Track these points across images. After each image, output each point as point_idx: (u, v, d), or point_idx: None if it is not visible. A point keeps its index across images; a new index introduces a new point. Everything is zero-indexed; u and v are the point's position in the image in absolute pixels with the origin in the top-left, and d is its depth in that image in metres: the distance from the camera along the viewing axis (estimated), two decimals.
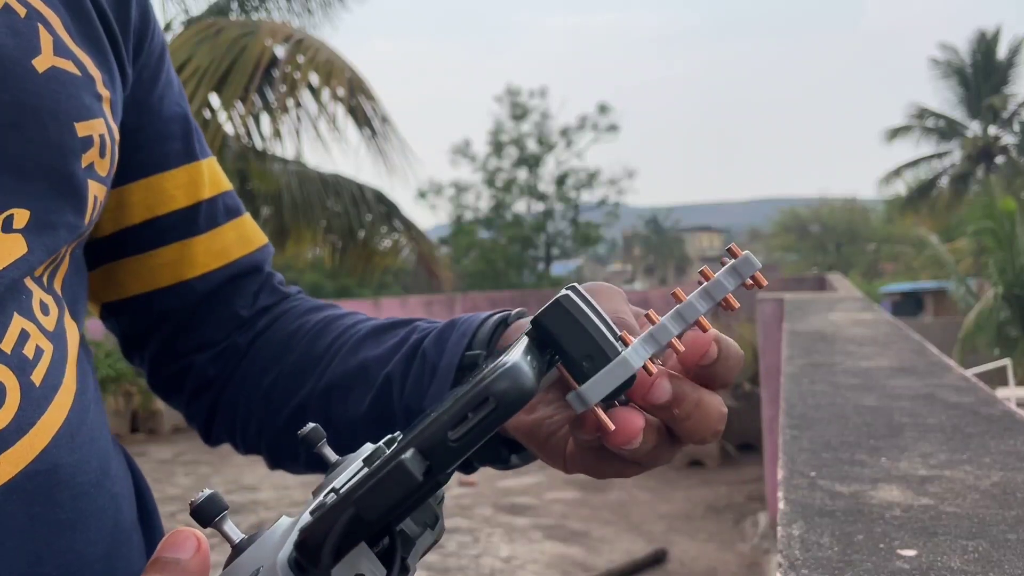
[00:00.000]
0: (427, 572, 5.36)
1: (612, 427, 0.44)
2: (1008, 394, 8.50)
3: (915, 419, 1.34)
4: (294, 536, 0.38)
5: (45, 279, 0.58)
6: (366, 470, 0.38)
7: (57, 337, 0.58)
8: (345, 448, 0.69)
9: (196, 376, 0.77)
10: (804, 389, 1.63)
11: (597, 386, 0.43)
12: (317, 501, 0.40)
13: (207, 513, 0.40)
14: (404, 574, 0.40)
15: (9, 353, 0.53)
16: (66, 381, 0.57)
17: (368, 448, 0.44)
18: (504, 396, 0.37)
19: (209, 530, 0.41)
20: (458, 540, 6.02)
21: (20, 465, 0.52)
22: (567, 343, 0.43)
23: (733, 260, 0.45)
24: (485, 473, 8.26)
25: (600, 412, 0.44)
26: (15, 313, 0.54)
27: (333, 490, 0.40)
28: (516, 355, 0.40)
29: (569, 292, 0.45)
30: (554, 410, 0.54)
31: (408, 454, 0.36)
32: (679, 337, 0.45)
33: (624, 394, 0.45)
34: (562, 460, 0.53)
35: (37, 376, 0.54)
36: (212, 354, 0.76)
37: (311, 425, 0.45)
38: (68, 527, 0.55)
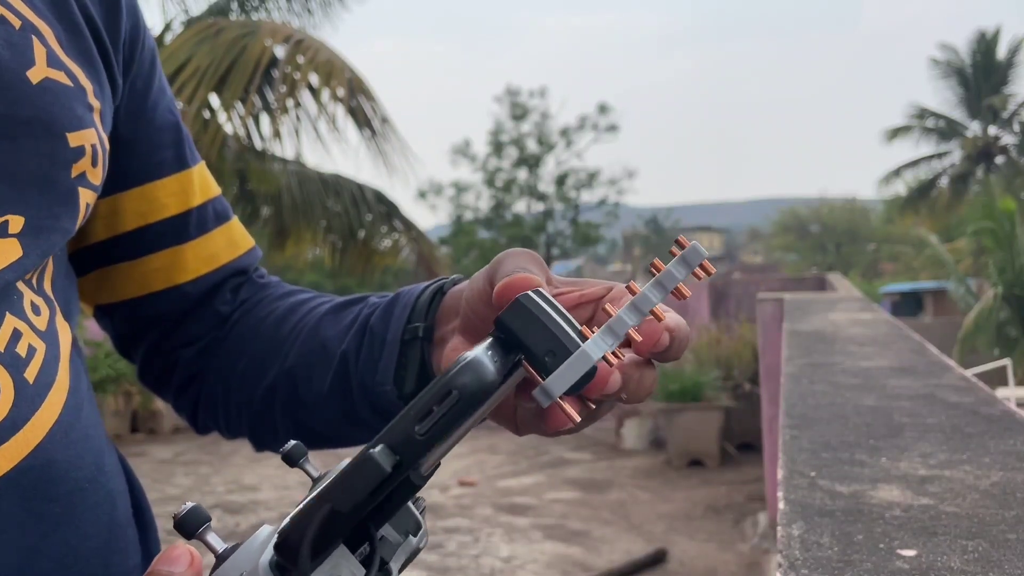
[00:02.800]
0: (427, 572, 5.36)
1: (578, 419, 0.47)
2: (1008, 394, 8.50)
3: (915, 419, 1.34)
4: (275, 539, 0.40)
5: (35, 281, 0.60)
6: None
7: (49, 337, 0.59)
8: (315, 426, 0.72)
9: (182, 371, 0.79)
10: (804, 389, 1.63)
11: (560, 379, 0.45)
12: (296, 508, 0.42)
13: (190, 525, 0.41)
14: None
15: (2, 351, 0.54)
16: (59, 379, 0.58)
17: (348, 462, 0.45)
18: (465, 388, 0.39)
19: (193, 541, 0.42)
20: (458, 540, 6.01)
21: (14, 460, 0.53)
22: (529, 340, 0.45)
23: (682, 251, 0.46)
24: (485, 473, 8.27)
25: (565, 405, 0.46)
26: (7, 313, 0.55)
27: None
28: (478, 350, 0.42)
29: (530, 292, 0.47)
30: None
31: (377, 448, 0.38)
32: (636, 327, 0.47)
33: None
34: (513, 423, 0.57)
35: (30, 374, 0.56)
36: (196, 349, 0.79)
37: (292, 442, 0.47)
38: (63, 522, 0.56)
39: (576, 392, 0.46)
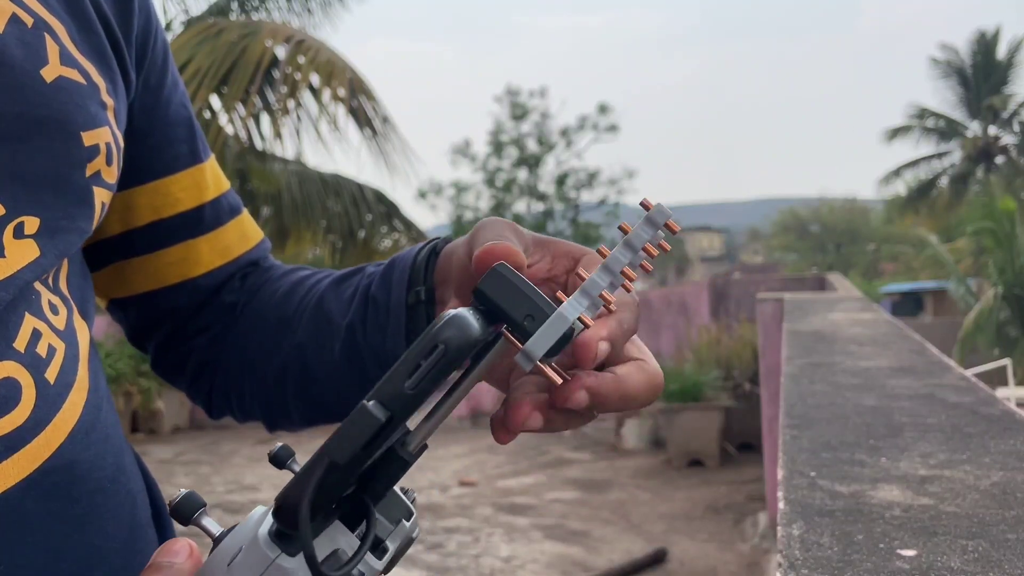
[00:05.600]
0: (427, 572, 5.36)
1: (559, 380, 0.47)
2: (1008, 394, 8.50)
3: (915, 419, 1.34)
4: (272, 506, 0.41)
5: (51, 280, 0.60)
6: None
7: (68, 336, 0.59)
8: (327, 400, 0.73)
9: (195, 359, 0.81)
10: (804, 389, 1.64)
11: (539, 341, 0.45)
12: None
13: (186, 510, 0.43)
14: (381, 554, 0.43)
15: (23, 352, 0.54)
16: (79, 379, 0.58)
17: None
18: (450, 341, 0.41)
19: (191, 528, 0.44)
20: (458, 540, 6.01)
21: (37, 462, 0.53)
22: (508, 306, 0.46)
23: (647, 212, 0.48)
24: (485, 473, 8.27)
25: (547, 368, 0.46)
26: (26, 313, 0.55)
27: None
28: (460, 308, 0.43)
29: (505, 263, 0.48)
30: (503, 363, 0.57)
31: (370, 403, 0.39)
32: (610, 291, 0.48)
33: (564, 354, 0.47)
34: (506, 386, 0.57)
35: (51, 374, 0.56)
36: (208, 338, 0.80)
37: (279, 444, 0.48)
38: (86, 522, 0.56)
39: (556, 354, 0.46)
